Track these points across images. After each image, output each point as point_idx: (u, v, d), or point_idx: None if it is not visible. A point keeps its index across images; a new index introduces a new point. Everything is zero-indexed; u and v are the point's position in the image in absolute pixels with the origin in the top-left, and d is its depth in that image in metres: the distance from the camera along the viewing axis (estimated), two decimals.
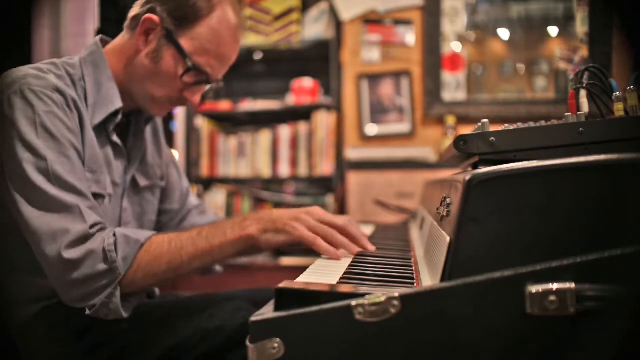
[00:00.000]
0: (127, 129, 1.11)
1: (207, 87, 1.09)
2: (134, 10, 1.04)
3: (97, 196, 0.96)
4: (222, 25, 1.02)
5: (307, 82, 2.91)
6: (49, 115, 0.89)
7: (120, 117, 1.02)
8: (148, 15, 1.00)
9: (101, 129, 1.01)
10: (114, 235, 0.88)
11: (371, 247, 0.95)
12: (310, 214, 0.93)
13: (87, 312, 0.86)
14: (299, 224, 0.90)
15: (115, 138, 1.03)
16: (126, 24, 1.06)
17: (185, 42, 1.00)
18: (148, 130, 1.17)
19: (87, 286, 0.85)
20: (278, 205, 2.97)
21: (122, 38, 1.06)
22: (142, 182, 1.14)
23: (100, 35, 1.08)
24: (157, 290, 1.21)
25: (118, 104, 1.01)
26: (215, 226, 0.93)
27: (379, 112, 2.81)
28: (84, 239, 0.86)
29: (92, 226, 0.87)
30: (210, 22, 1.00)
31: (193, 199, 1.33)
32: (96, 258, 0.85)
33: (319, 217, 0.93)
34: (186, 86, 1.04)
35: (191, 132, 3.07)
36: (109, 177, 1.01)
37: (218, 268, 1.26)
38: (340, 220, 0.94)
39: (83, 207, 0.88)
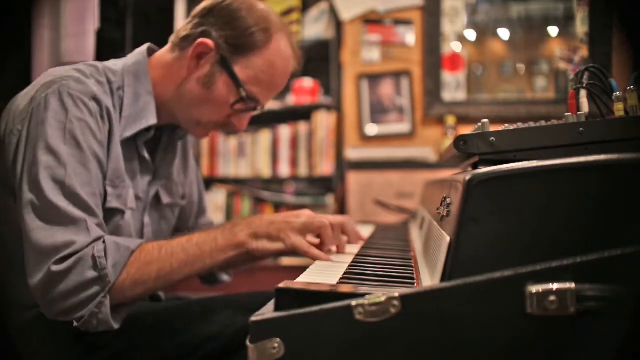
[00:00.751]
0: (157, 143, 1.09)
1: (254, 113, 1.07)
2: (186, 30, 1.01)
3: (116, 211, 0.94)
4: (277, 57, 1.01)
5: (307, 82, 2.91)
6: (80, 123, 0.87)
7: (152, 133, 1.01)
8: (203, 39, 0.98)
9: (131, 142, 0.99)
10: (104, 242, 0.85)
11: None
12: (300, 217, 0.92)
13: (75, 324, 0.82)
14: (293, 232, 0.89)
15: (145, 154, 1.01)
16: (174, 40, 1.03)
17: (239, 71, 0.98)
18: (178, 147, 1.15)
19: (75, 296, 0.81)
20: (278, 205, 2.97)
21: (168, 54, 1.03)
22: (165, 199, 1.11)
23: (148, 44, 1.06)
24: (161, 293, 1.19)
25: (152, 120, 0.99)
26: (207, 232, 0.91)
27: (379, 112, 2.81)
28: (79, 251, 0.82)
29: (94, 240, 0.84)
30: (267, 53, 0.99)
31: (205, 220, 1.31)
32: (85, 265, 0.82)
33: (308, 220, 0.92)
34: (234, 112, 1.03)
35: None
36: (132, 190, 0.99)
37: (226, 277, 1.25)
38: (329, 218, 0.95)
39: (89, 222, 0.85)
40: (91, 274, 0.82)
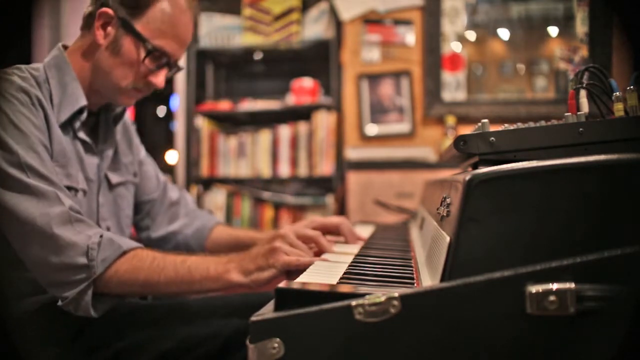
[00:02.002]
0: (96, 128, 1.14)
1: (170, 71, 1.13)
2: (87, 10, 1.07)
3: (69, 189, 0.99)
4: (173, 6, 1.06)
5: (307, 82, 2.91)
6: (15, 114, 0.93)
7: (85, 114, 1.05)
8: (102, 9, 1.03)
9: (68, 127, 1.04)
10: (101, 236, 0.91)
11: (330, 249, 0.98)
12: (283, 238, 0.94)
13: (60, 303, 0.89)
14: (277, 254, 0.90)
15: (82, 135, 1.06)
16: (81, 25, 1.09)
17: (141, 28, 1.04)
18: (119, 129, 1.21)
19: (63, 274, 0.88)
20: (278, 205, 2.97)
21: (80, 39, 1.10)
22: (115, 178, 1.17)
23: (61, 42, 1.11)
24: None
25: (82, 101, 1.04)
26: (201, 259, 0.94)
27: (379, 112, 2.81)
28: (67, 220, 0.89)
29: (70, 208, 0.91)
30: (162, 5, 1.05)
31: (174, 192, 1.36)
32: (77, 250, 0.88)
33: (291, 240, 0.94)
34: (150, 71, 1.07)
35: (191, 132, 3.07)
36: (81, 173, 1.05)
37: None
38: (310, 232, 0.98)
39: (59, 192, 0.91)
40: (81, 260, 0.88)
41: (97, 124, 1.15)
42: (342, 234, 1.11)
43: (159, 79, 1.10)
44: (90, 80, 1.08)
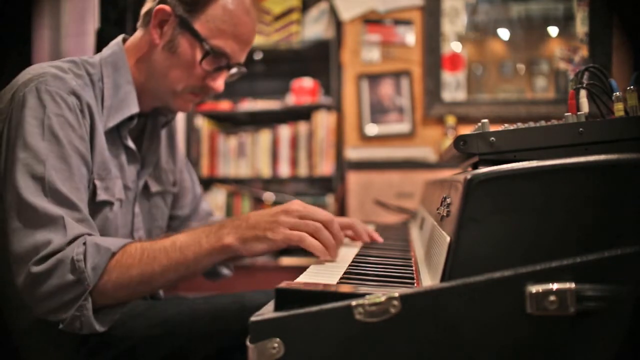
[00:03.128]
0: (142, 133, 1.09)
1: (230, 71, 1.06)
2: (145, 7, 1.02)
3: (104, 204, 0.94)
4: (235, 5, 1.00)
5: (307, 82, 2.91)
6: (59, 119, 0.86)
7: (135, 122, 1.01)
8: (159, 6, 0.98)
9: (114, 133, 0.98)
10: (84, 244, 0.82)
11: (371, 237, 0.90)
12: (289, 213, 0.86)
13: (61, 326, 0.81)
14: (279, 227, 0.84)
15: (129, 143, 1.01)
16: (139, 22, 1.04)
17: (200, 26, 0.98)
18: (163, 134, 1.15)
19: (56, 299, 0.80)
20: (278, 205, 2.97)
21: (137, 36, 1.04)
22: (154, 187, 1.11)
23: (123, 35, 1.06)
24: (161, 292, 1.20)
25: (135, 109, 0.99)
26: (191, 235, 0.87)
27: (379, 112, 2.81)
28: (58, 251, 0.81)
29: (70, 241, 0.82)
30: (223, 2, 0.99)
31: (205, 205, 1.31)
32: (64, 268, 0.80)
33: (299, 214, 0.86)
34: (207, 73, 1.02)
35: (191, 132, 3.06)
36: (121, 181, 0.99)
37: (226, 272, 1.24)
38: (322, 214, 0.87)
39: (67, 219, 0.83)
40: (70, 277, 0.80)
41: (143, 128, 1.09)
42: (357, 235, 1.07)
43: (218, 83, 1.04)
44: (144, 82, 1.02)
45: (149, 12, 1.01)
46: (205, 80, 1.03)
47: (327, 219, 0.86)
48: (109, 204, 0.95)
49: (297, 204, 0.87)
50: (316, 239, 0.84)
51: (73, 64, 0.95)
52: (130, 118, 0.99)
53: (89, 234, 0.84)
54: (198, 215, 1.28)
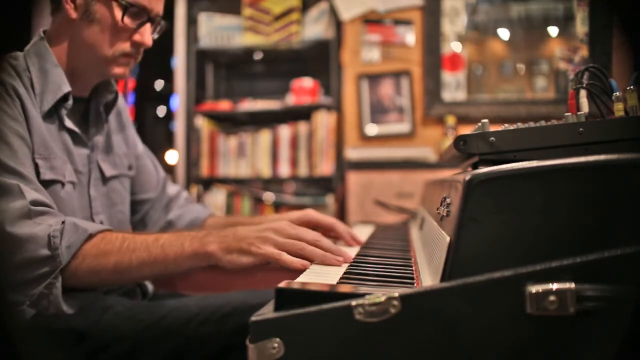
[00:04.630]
0: (86, 117, 1.10)
1: (154, 27, 1.08)
2: None
3: (53, 182, 0.95)
4: None
5: (307, 82, 2.91)
6: None
7: (71, 101, 1.01)
8: None
9: (54, 116, 0.99)
10: (63, 222, 0.84)
11: (348, 257, 0.87)
12: (278, 231, 0.85)
13: (27, 303, 0.82)
14: (264, 243, 0.83)
15: (69, 123, 1.02)
16: (50, 10, 1.05)
17: None
18: (112, 120, 1.16)
19: (27, 272, 0.81)
20: (278, 205, 2.97)
21: (53, 22, 1.05)
22: (109, 171, 1.12)
23: (42, 29, 1.07)
24: (150, 287, 1.20)
25: (66, 88, 1.00)
26: (175, 235, 0.87)
27: (379, 112, 2.81)
28: (26, 215, 0.82)
29: (32, 202, 0.84)
30: None
31: (172, 188, 1.33)
32: (39, 242, 0.81)
33: (287, 234, 0.86)
34: (133, 31, 1.03)
35: (191, 132, 3.07)
36: (69, 165, 1.00)
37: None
38: (310, 234, 0.87)
39: (23, 186, 0.85)
40: (44, 252, 0.81)
41: (87, 111, 1.10)
42: (339, 235, 1.09)
43: (146, 37, 1.05)
44: (74, 62, 1.03)
45: None
46: (132, 38, 1.04)
47: (315, 239, 0.86)
48: (57, 182, 0.96)
49: (286, 224, 0.88)
50: (299, 256, 0.83)
51: None
52: (64, 98, 1.00)
53: (50, 206, 0.86)
54: (166, 197, 1.30)
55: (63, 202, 0.97)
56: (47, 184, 0.95)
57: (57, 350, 0.94)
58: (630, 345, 0.49)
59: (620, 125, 0.69)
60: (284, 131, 2.95)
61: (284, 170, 2.94)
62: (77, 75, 1.04)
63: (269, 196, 2.98)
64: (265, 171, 2.97)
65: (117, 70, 1.06)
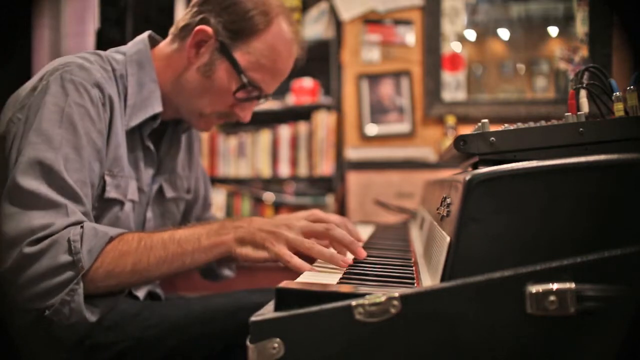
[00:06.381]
0: (162, 136, 1.07)
1: (258, 102, 1.05)
2: (184, 20, 0.99)
3: (114, 202, 0.93)
4: (278, 40, 0.98)
5: (307, 82, 2.91)
6: (80, 109, 0.85)
7: (158, 122, 0.99)
8: (201, 26, 0.95)
9: (135, 132, 0.97)
10: (82, 227, 0.79)
11: (361, 253, 0.86)
12: (291, 227, 0.84)
13: (47, 313, 0.77)
14: (278, 240, 0.82)
15: (149, 144, 1.00)
16: (173, 31, 1.01)
17: (240, 57, 0.96)
18: (183, 140, 1.13)
19: (46, 280, 0.76)
20: (278, 205, 2.97)
21: (169, 46, 1.02)
22: (169, 193, 1.10)
23: (149, 32, 1.04)
24: (160, 293, 1.19)
25: (158, 108, 0.97)
26: (190, 230, 0.85)
27: (379, 112, 2.81)
28: (56, 232, 0.78)
29: (73, 223, 0.80)
30: (267, 36, 0.97)
31: (209, 214, 1.31)
32: (59, 248, 0.77)
33: (301, 229, 0.84)
34: (237, 102, 1.00)
35: None
36: (136, 183, 0.97)
37: (228, 273, 1.24)
38: (320, 226, 0.86)
39: (71, 207, 0.81)
40: (64, 258, 0.77)
41: (163, 131, 1.07)
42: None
43: (246, 113, 1.02)
44: (170, 93, 1.00)
45: (187, 27, 0.98)
46: (234, 108, 1.01)
47: (339, 223, 0.89)
48: (119, 202, 0.94)
49: (301, 219, 0.87)
50: (309, 255, 0.82)
51: (99, 58, 0.94)
52: (153, 118, 0.98)
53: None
54: (204, 219, 1.28)
55: (119, 221, 0.95)
56: (108, 202, 0.92)
57: (60, 349, 0.94)
58: (630, 345, 0.49)
59: (620, 125, 0.69)
60: (284, 131, 2.95)
61: (284, 170, 2.94)
62: (165, 103, 1.00)
63: (269, 196, 2.98)
64: (265, 171, 2.97)
65: (203, 125, 1.05)
